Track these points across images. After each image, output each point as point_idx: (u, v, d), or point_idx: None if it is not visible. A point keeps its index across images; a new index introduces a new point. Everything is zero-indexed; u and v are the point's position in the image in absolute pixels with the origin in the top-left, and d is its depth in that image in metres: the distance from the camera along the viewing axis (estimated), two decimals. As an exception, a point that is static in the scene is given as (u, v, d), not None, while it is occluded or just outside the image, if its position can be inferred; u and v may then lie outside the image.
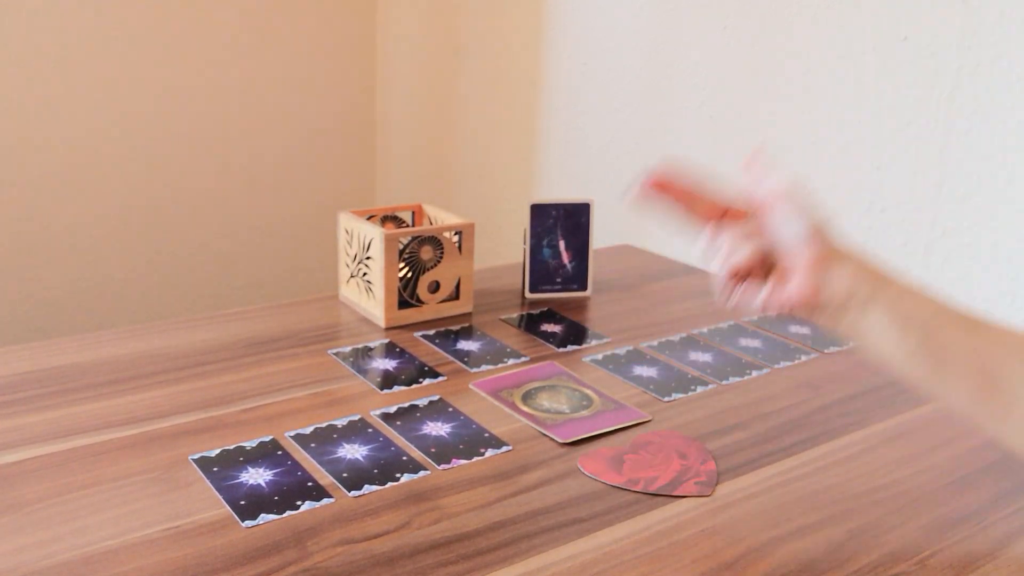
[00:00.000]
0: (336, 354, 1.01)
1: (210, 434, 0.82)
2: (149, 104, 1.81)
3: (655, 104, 1.45)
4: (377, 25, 2.07)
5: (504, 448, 0.82)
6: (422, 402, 0.90)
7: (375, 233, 1.07)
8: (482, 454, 0.81)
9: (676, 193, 0.67)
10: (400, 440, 0.83)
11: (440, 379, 0.96)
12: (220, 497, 0.72)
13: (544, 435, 0.85)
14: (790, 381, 0.99)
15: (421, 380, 0.95)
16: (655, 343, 1.08)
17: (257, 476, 0.76)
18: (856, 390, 0.98)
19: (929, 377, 0.62)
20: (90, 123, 1.75)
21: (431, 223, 1.19)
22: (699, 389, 0.96)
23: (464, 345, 1.05)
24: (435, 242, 1.10)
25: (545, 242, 1.20)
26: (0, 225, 1.71)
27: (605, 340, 1.08)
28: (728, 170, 1.35)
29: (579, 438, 0.85)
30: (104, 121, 1.77)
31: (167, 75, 1.82)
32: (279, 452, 0.80)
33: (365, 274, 1.10)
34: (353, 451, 0.80)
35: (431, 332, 1.08)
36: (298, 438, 0.82)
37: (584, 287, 1.22)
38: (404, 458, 0.80)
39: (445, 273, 1.11)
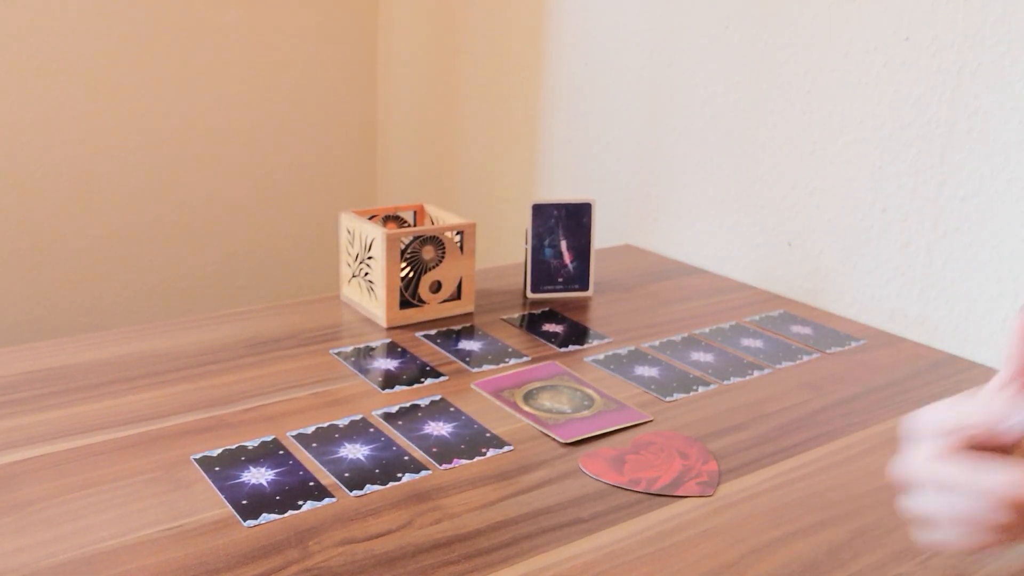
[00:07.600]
0: (338, 354, 1.01)
1: (212, 434, 0.82)
2: (150, 104, 1.81)
3: (656, 104, 1.45)
4: (379, 25, 2.07)
5: (506, 448, 0.82)
6: (424, 402, 0.90)
7: (377, 233, 1.07)
8: (484, 454, 0.81)
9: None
10: (402, 440, 0.83)
11: (442, 379, 0.96)
12: (222, 497, 0.72)
13: (546, 435, 0.85)
14: (792, 381, 0.99)
15: (423, 380, 0.95)
16: (657, 343, 1.08)
17: (259, 476, 0.76)
18: (858, 390, 0.97)
19: None
20: (91, 125, 1.75)
21: (433, 223, 1.19)
22: (701, 389, 0.96)
23: (466, 345, 1.05)
24: (437, 242, 1.10)
25: (547, 242, 1.20)
26: (1, 225, 1.71)
27: (607, 340, 1.08)
28: (727, 170, 1.35)
29: (581, 438, 0.85)
30: (105, 123, 1.77)
31: (167, 74, 1.82)
32: (281, 452, 0.80)
33: (367, 274, 1.10)
34: (355, 451, 0.80)
35: (432, 332, 1.08)
36: (300, 438, 0.82)
37: (585, 287, 1.22)
38: (406, 458, 0.80)
39: (447, 273, 1.11)
